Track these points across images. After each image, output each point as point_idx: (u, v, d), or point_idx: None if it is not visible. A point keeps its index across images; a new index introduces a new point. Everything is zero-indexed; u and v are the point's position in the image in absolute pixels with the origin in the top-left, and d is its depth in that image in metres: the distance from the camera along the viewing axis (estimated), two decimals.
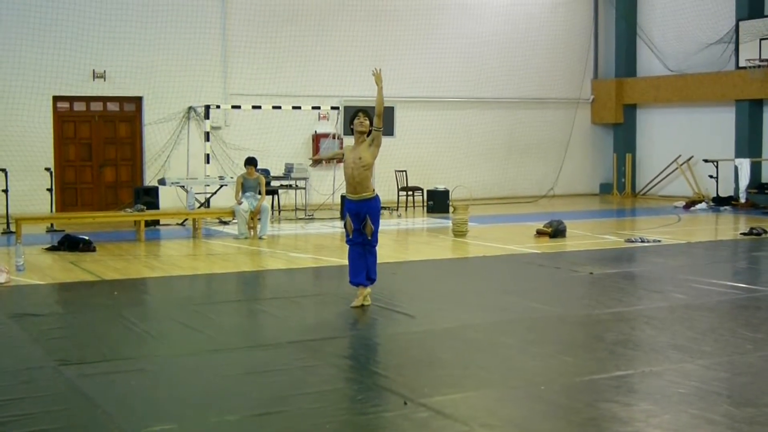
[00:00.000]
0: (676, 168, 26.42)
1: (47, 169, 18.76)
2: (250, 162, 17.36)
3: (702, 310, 10.01)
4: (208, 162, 20.77)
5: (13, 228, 16.41)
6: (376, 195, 10.22)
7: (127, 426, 5.95)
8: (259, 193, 17.22)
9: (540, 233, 16.82)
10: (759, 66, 23.66)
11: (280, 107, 21.56)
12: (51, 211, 18.80)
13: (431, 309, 10.15)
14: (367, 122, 10.20)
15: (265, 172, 20.04)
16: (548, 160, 27.55)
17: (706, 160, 24.89)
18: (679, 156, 26.28)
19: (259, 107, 21.49)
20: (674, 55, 26.45)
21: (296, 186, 21.25)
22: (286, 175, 21.01)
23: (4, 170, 17.82)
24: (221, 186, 20.05)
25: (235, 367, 7.59)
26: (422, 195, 23.16)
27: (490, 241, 16.30)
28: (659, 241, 16.19)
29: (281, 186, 21.35)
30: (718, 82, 25.06)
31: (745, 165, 23.93)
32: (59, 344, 8.40)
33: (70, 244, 15.00)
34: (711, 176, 24.64)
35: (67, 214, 19.79)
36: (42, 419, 6.09)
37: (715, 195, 24.36)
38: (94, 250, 14.92)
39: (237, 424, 6.09)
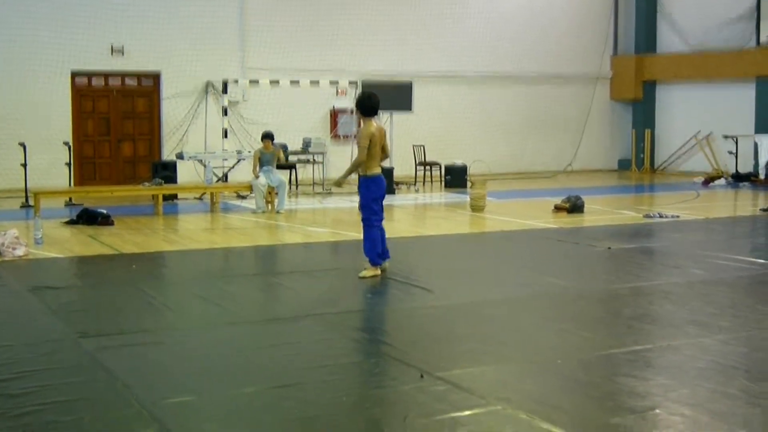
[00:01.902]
0: (695, 144, 26.29)
1: (66, 144, 18.80)
2: (267, 136, 17.37)
3: (720, 285, 9.98)
4: (225, 136, 20.78)
5: (31, 202, 16.47)
6: (363, 174, 10.48)
7: (145, 398, 5.98)
8: (277, 167, 17.22)
9: (558, 208, 16.77)
10: None
11: (298, 82, 21.52)
12: (69, 185, 18.85)
13: (449, 284, 10.15)
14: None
15: (283, 146, 20.04)
16: (566, 136, 27.44)
17: (725, 136, 24.76)
18: (698, 132, 26.14)
19: (277, 82, 21.45)
20: (694, 32, 26.25)
21: (314, 160, 21.24)
22: (304, 149, 21.00)
23: (23, 144, 17.86)
24: (239, 160, 20.07)
25: (252, 340, 7.62)
26: (440, 170, 23.11)
27: (508, 216, 16.28)
28: (678, 216, 16.13)
29: (299, 160, 21.34)
30: (738, 59, 24.89)
31: (764, 141, 23.79)
32: (78, 317, 8.45)
33: (88, 217, 15.05)
34: (730, 152, 24.52)
35: (86, 188, 19.85)
36: (62, 390, 6.12)
37: (734, 171, 24.22)
38: (112, 223, 14.97)
39: (255, 396, 6.11)
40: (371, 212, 10.47)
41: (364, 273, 10.38)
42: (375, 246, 10.45)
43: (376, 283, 10.03)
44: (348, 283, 10.23)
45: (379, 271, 10.45)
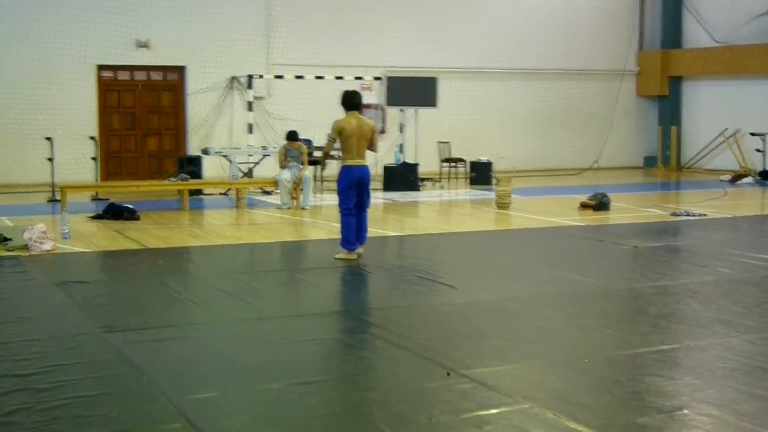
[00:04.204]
0: (723, 141, 26.12)
1: (92, 138, 18.89)
2: (291, 137, 17.42)
3: (748, 284, 9.91)
4: (251, 132, 20.82)
5: (58, 196, 16.56)
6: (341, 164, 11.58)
7: (171, 392, 5.99)
8: (302, 163, 17.28)
9: (584, 206, 16.70)
10: None
11: (322, 77, 21.54)
12: (95, 179, 18.94)
13: (474, 280, 10.14)
14: None
15: (308, 142, 20.04)
16: (592, 133, 27.30)
17: (753, 134, 24.56)
18: (726, 129, 25.97)
19: (302, 77, 21.48)
20: (721, 27, 26.05)
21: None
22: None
23: (49, 139, 17.95)
24: (264, 156, 20.10)
25: (278, 336, 7.62)
26: (465, 166, 23.07)
27: (534, 213, 16.23)
28: (705, 214, 16.03)
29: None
30: (766, 54, 24.67)
31: None
32: (104, 311, 8.48)
33: (114, 212, 15.12)
34: (758, 150, 24.31)
35: (112, 182, 19.96)
36: (88, 385, 6.15)
37: (761, 169, 24.04)
38: (138, 218, 15.03)
39: (280, 392, 6.11)
40: (341, 201, 11.36)
41: (337, 255, 11.27)
42: (346, 231, 11.24)
43: (401, 280, 10.04)
44: (373, 280, 10.26)
45: (353, 256, 11.21)
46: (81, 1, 20.75)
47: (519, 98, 26.10)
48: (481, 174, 22.06)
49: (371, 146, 11.51)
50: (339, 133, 11.39)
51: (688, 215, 15.90)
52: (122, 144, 21.92)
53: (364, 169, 11.45)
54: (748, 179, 23.33)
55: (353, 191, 11.34)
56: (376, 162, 19.92)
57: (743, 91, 25.81)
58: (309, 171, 17.67)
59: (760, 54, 24.80)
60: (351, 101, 11.47)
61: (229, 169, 18.69)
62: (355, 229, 11.30)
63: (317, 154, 20.78)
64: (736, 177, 23.46)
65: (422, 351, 7.01)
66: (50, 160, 17.80)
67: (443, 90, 21.95)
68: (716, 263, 11.12)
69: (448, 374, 6.36)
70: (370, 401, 5.93)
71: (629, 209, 16.88)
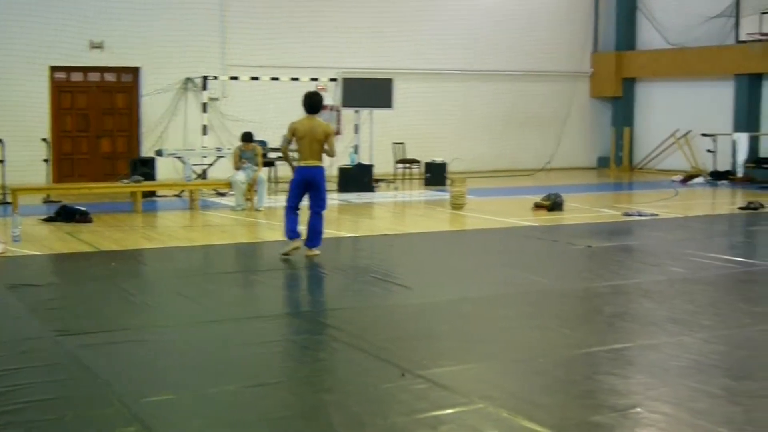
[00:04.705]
0: (674, 142, 26.39)
1: (44, 140, 18.69)
2: (246, 138, 17.42)
3: (700, 283, 10.02)
4: (205, 133, 20.70)
5: (9, 199, 16.36)
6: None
7: (126, 396, 5.94)
8: (257, 164, 17.25)
9: (538, 206, 16.80)
10: (759, 40, 23.58)
11: (278, 79, 21.47)
12: (47, 181, 18.73)
13: (428, 281, 10.16)
14: None
15: (263, 143, 19.97)
16: (546, 134, 27.46)
17: (704, 134, 24.83)
18: (677, 130, 26.24)
19: (257, 78, 21.40)
20: (674, 29, 26.31)
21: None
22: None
23: (0, 140, 17.73)
24: (218, 157, 20.00)
25: (233, 338, 7.59)
26: (420, 167, 23.09)
27: (488, 213, 16.29)
28: (656, 215, 16.19)
29: (279, 158, 21.26)
30: (718, 56, 24.96)
31: (743, 139, 23.91)
32: (57, 315, 8.38)
33: (66, 214, 14.96)
34: (709, 150, 24.58)
35: (64, 185, 19.73)
36: (41, 389, 6.08)
37: (712, 169, 24.31)
38: (90, 221, 14.88)
39: (235, 394, 6.09)
40: (288, 197, 11.80)
41: (282, 250, 11.53)
42: (289, 222, 11.58)
43: (356, 281, 10.04)
44: (327, 281, 10.26)
45: (296, 243, 11.49)
46: (34, 2, 20.51)
47: (474, 100, 26.18)
48: (435, 175, 22.07)
49: (328, 150, 11.58)
50: (292, 133, 11.67)
51: (640, 215, 16.04)
52: (75, 146, 21.67)
53: (313, 170, 11.56)
54: (699, 179, 23.60)
55: (301, 190, 11.65)
56: (330, 163, 19.88)
57: (694, 93, 26.09)
58: (263, 172, 17.61)
59: (712, 56, 25.09)
60: (309, 104, 11.68)
61: (183, 170, 18.59)
62: (296, 220, 11.59)
63: (272, 155, 20.79)
64: (688, 177, 23.72)
65: (378, 352, 7.02)
66: (1, 162, 17.59)
67: (399, 91, 21.98)
68: (669, 263, 11.24)
69: (403, 375, 6.37)
70: (326, 403, 5.93)
71: (583, 209, 17.00)
